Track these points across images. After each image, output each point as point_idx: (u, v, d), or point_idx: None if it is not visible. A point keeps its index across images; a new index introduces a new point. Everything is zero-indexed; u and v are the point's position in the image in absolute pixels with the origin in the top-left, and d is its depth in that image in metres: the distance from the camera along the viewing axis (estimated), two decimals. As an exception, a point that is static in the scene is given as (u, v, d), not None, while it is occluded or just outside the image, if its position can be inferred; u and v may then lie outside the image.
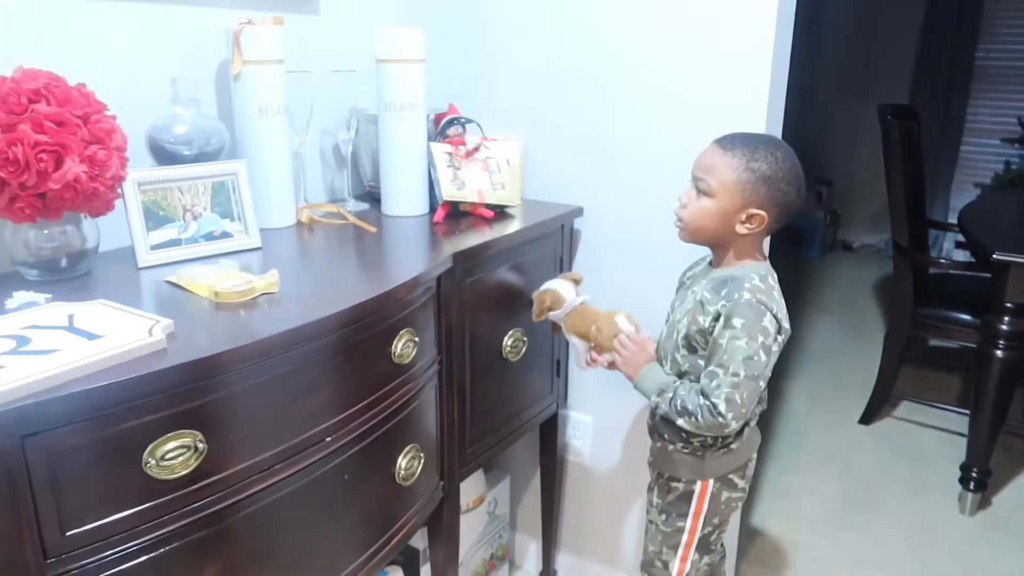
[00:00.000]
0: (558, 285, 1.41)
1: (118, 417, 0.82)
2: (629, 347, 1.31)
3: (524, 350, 1.56)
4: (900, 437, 2.71)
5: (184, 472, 0.88)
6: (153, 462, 0.85)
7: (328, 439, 1.06)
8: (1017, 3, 4.43)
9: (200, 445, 0.89)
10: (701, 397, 1.16)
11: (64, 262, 1.14)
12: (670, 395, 1.21)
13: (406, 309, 1.19)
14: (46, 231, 1.11)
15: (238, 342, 0.91)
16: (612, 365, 1.36)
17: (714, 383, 1.15)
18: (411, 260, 1.35)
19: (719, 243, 1.25)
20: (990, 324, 2.15)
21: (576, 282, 1.43)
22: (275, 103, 1.39)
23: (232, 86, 1.37)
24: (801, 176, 1.19)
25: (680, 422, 1.20)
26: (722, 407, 1.14)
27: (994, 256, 2.05)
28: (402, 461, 1.22)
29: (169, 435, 0.86)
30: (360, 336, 1.10)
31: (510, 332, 1.51)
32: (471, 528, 1.75)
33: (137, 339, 0.87)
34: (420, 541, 1.61)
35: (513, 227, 1.50)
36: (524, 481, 1.97)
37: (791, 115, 1.68)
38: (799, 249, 4.85)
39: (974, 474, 2.25)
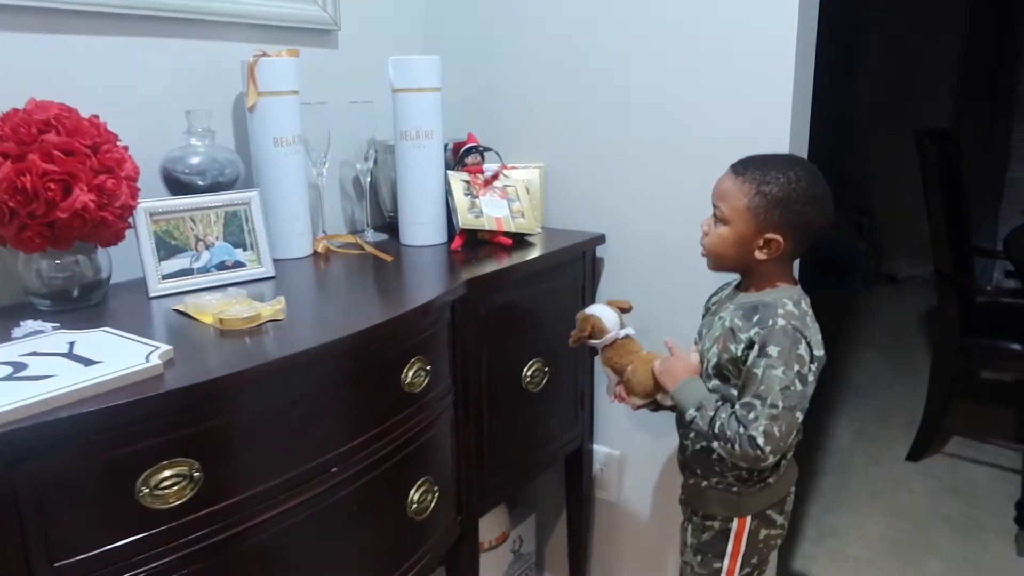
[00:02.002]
0: (602, 312, 1.30)
1: (110, 444, 0.80)
2: (668, 357, 1.25)
3: (545, 380, 1.52)
4: (951, 474, 2.58)
5: (178, 502, 0.85)
6: (147, 491, 0.83)
7: (334, 469, 1.03)
8: (1060, 26, 4.32)
9: (196, 474, 0.86)
10: (740, 426, 1.10)
11: (76, 292, 1.14)
12: (710, 413, 1.13)
13: (417, 336, 1.16)
14: (58, 261, 1.11)
15: (236, 367, 0.89)
16: (641, 407, 1.30)
17: (752, 415, 1.09)
18: (424, 287, 1.32)
19: (745, 269, 1.21)
20: (1042, 353, 2.05)
21: (623, 310, 1.34)
22: (290, 134, 1.39)
23: (248, 117, 1.38)
24: (823, 194, 1.13)
25: (715, 445, 1.13)
26: (760, 440, 1.08)
27: (1043, 281, 1.96)
28: (414, 494, 1.18)
29: (164, 463, 0.84)
30: (367, 364, 1.07)
31: (530, 362, 1.47)
32: (494, 567, 1.69)
33: (133, 364, 0.85)
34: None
35: (531, 255, 1.47)
36: (551, 518, 1.91)
37: (829, 145, 1.64)
38: (841, 281, 4.73)
39: (1031, 513, 2.12)
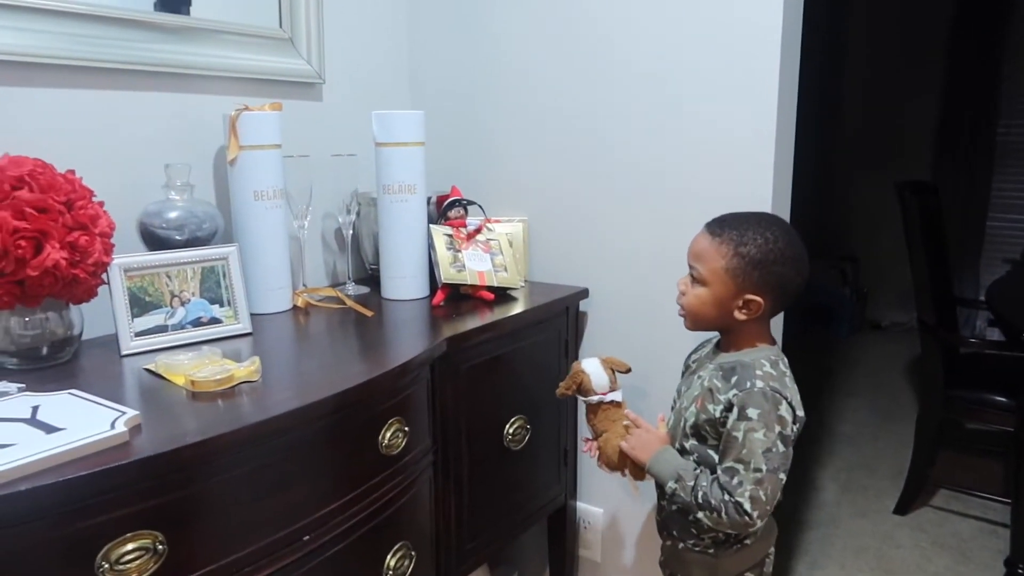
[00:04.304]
0: (594, 371, 1.29)
1: (70, 517, 0.77)
2: (635, 431, 1.24)
3: (528, 438, 1.49)
4: (939, 528, 2.55)
5: (141, 577, 0.82)
6: (107, 566, 0.79)
7: (306, 538, 1.00)
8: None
9: (160, 547, 0.83)
10: (724, 493, 1.08)
11: (45, 350, 1.11)
12: (690, 483, 1.12)
13: (395, 397, 1.13)
14: (27, 319, 1.09)
15: (206, 434, 0.86)
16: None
17: (735, 480, 1.07)
18: (404, 345, 1.30)
19: (723, 328, 1.20)
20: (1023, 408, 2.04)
21: (617, 371, 1.32)
22: (271, 188, 1.38)
23: (228, 171, 1.37)
24: (799, 253, 1.13)
25: (700, 515, 1.12)
26: (747, 505, 1.06)
27: (1025, 335, 1.96)
28: (391, 560, 1.15)
29: (126, 536, 0.81)
30: (343, 426, 1.04)
31: (512, 419, 1.45)
32: (474, 630, 1.64)
33: (97, 432, 0.82)
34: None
35: (514, 310, 1.46)
36: (534, 577, 1.86)
37: (812, 193, 1.65)
38: (826, 328, 4.74)
39: (1020, 571, 2.09)
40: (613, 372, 1.31)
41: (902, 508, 2.62)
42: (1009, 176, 4.56)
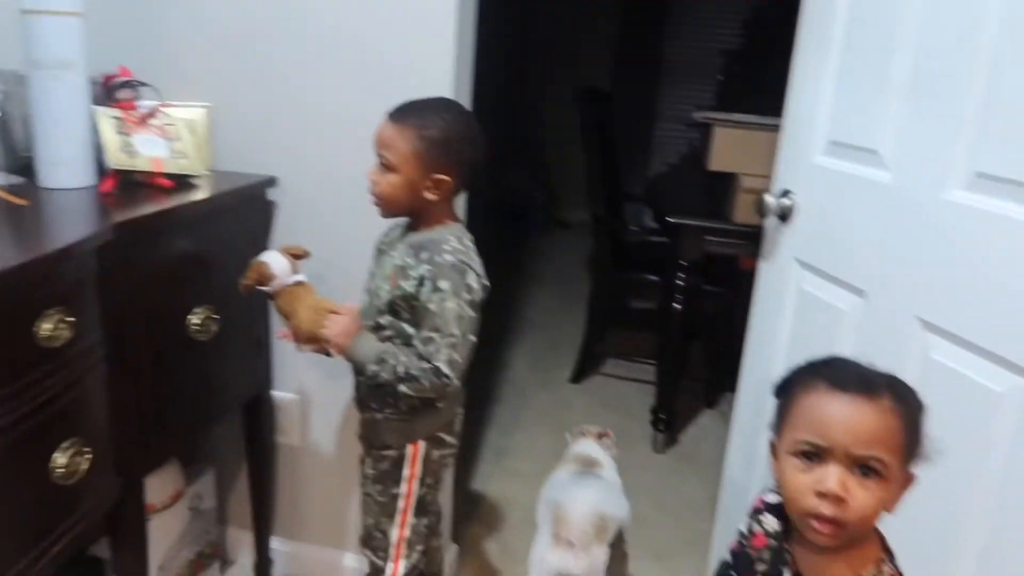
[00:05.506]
0: (271, 259, 1.32)
1: None
2: (333, 317, 1.28)
3: (216, 328, 1.46)
4: (605, 391, 2.97)
5: None
6: None
7: (-48, 438, 0.91)
8: (695, 4, 5.00)
9: None
10: (423, 361, 1.16)
11: None
12: (392, 363, 1.19)
13: (54, 285, 1.05)
14: None
15: None
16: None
17: (432, 347, 1.16)
18: (64, 232, 1.20)
19: (415, 211, 1.27)
20: (668, 282, 2.42)
21: (297, 256, 1.36)
22: None
23: None
24: (477, 133, 1.24)
25: (403, 388, 1.19)
26: (446, 369, 1.16)
27: (667, 219, 2.30)
28: (60, 458, 1.09)
29: None
30: (-10, 317, 0.96)
31: (197, 309, 1.41)
32: (168, 528, 1.61)
33: None
34: (106, 550, 1.46)
35: (195, 197, 1.40)
36: (232, 471, 1.86)
37: (504, 101, 1.76)
38: (518, 227, 5.13)
39: (662, 416, 2.52)
40: (292, 257, 1.34)
41: (577, 378, 3.01)
42: (675, 90, 5.20)
